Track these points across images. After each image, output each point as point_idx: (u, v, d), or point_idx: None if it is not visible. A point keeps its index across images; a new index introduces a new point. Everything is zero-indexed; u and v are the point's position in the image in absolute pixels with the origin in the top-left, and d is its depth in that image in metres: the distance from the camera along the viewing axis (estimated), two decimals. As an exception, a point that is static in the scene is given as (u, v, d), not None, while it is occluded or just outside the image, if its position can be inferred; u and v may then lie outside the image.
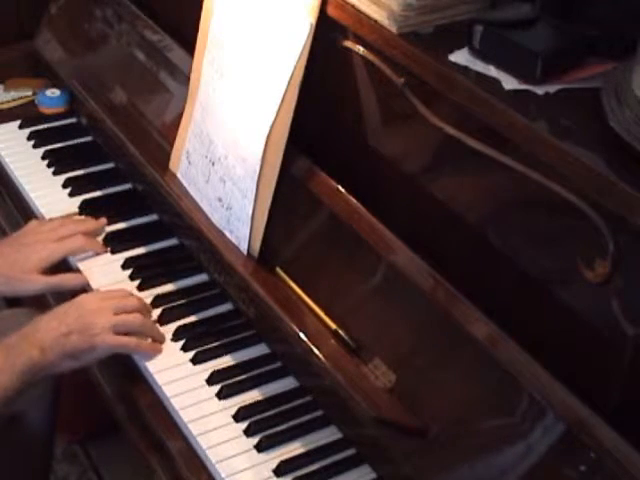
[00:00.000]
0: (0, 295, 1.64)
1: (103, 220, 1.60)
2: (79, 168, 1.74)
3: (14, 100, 1.91)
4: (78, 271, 1.52)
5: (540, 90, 1.09)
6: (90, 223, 1.60)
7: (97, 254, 1.55)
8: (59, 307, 1.37)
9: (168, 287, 1.50)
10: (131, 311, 1.38)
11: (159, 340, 1.39)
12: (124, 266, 1.53)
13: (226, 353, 1.38)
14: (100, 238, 1.57)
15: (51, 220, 1.62)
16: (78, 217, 1.64)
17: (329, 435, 1.28)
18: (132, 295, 1.43)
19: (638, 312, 0.99)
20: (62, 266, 1.57)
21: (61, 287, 1.52)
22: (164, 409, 1.32)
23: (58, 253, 1.52)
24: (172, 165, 1.55)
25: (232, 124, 1.40)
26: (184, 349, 1.38)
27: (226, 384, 1.33)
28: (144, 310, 1.41)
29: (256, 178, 1.35)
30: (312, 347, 1.22)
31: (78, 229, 1.56)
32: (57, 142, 1.81)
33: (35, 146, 1.80)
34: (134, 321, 1.37)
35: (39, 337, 1.29)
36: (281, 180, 1.33)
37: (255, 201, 1.36)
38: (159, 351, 1.37)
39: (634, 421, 0.99)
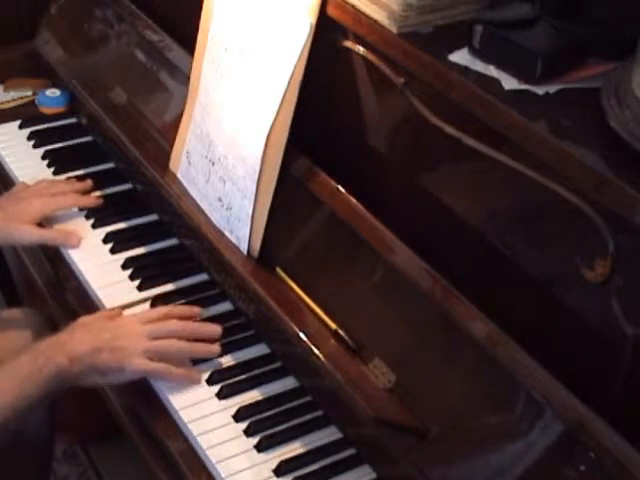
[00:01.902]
0: None
1: (89, 182, 1.66)
2: (79, 168, 1.74)
3: (14, 100, 1.91)
4: (78, 271, 1.53)
5: (540, 90, 1.09)
6: (80, 184, 1.66)
7: (96, 254, 1.55)
8: (97, 322, 1.34)
9: (168, 287, 1.50)
10: (168, 336, 1.33)
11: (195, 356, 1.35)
12: (124, 266, 1.53)
13: (226, 353, 1.38)
14: (100, 238, 1.57)
15: (42, 180, 1.66)
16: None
17: (329, 435, 1.28)
18: (172, 316, 1.37)
19: (638, 312, 0.99)
20: (61, 265, 1.57)
21: (54, 241, 1.57)
22: (164, 409, 1.32)
23: (53, 206, 1.58)
24: (172, 165, 1.55)
25: (232, 124, 1.40)
26: (184, 349, 1.38)
27: (226, 384, 1.33)
28: (187, 331, 1.36)
29: (256, 178, 1.35)
30: (312, 347, 1.22)
31: (71, 187, 1.64)
32: (57, 142, 1.81)
33: (35, 146, 1.80)
34: (169, 349, 1.33)
35: (71, 347, 1.28)
36: (281, 180, 1.33)
37: (255, 201, 1.36)
38: (192, 380, 1.32)
39: (634, 421, 0.99)
